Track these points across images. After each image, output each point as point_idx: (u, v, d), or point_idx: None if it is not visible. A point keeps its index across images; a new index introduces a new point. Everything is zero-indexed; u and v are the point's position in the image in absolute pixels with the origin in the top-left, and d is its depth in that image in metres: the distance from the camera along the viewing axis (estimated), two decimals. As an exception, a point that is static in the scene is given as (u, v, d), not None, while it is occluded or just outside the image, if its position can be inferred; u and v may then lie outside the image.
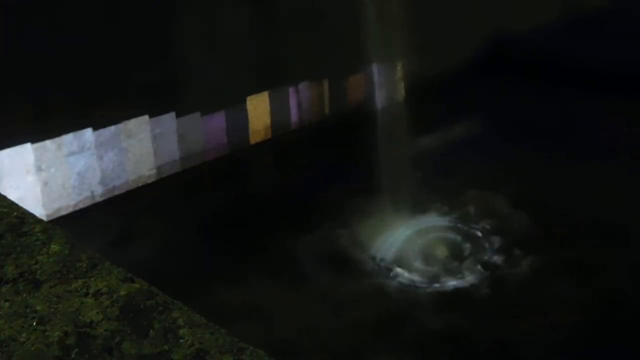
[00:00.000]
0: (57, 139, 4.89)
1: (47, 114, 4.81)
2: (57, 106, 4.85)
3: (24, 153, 4.75)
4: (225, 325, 1.53)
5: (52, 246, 1.83)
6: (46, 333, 1.50)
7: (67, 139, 4.94)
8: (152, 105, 5.40)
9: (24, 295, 1.64)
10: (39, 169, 4.82)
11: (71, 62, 4.88)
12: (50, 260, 1.77)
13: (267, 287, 4.82)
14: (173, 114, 5.53)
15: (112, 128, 5.18)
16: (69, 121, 4.93)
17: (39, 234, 1.89)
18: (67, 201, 5.02)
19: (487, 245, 5.28)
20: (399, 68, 6.98)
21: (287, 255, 5.15)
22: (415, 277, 4.97)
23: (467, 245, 5.27)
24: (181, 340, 1.47)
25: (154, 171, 5.53)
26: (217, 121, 5.89)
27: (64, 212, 5.01)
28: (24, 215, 2.00)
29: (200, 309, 1.61)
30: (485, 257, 5.14)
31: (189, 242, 5.28)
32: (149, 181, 5.50)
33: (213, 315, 1.62)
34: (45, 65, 4.75)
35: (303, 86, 6.50)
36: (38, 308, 1.59)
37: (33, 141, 4.76)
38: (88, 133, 5.05)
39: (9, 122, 4.65)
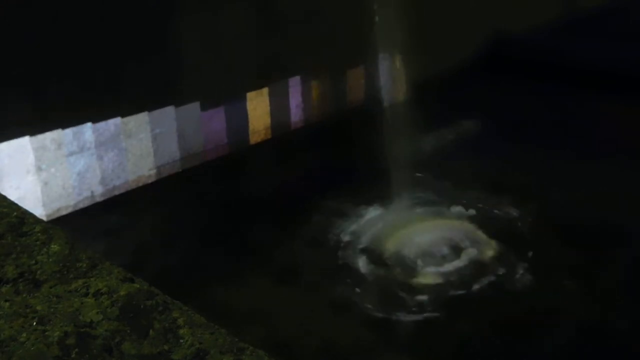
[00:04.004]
0: (57, 139, 4.89)
1: (46, 109, 4.81)
2: (57, 101, 4.84)
3: (24, 153, 4.75)
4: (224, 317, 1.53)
5: (52, 246, 1.83)
6: (46, 333, 1.50)
7: (67, 138, 4.94)
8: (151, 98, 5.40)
9: (24, 295, 1.64)
10: (39, 169, 4.82)
11: (71, 55, 4.88)
12: (50, 260, 1.77)
13: (262, 285, 4.82)
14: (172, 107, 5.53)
15: (112, 128, 5.18)
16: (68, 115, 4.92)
17: (39, 234, 1.89)
18: (67, 201, 5.02)
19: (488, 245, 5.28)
20: (399, 68, 6.99)
21: (283, 255, 5.15)
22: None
23: (464, 250, 5.26)
24: (181, 340, 1.47)
25: (154, 171, 5.53)
26: (217, 121, 5.89)
27: (64, 212, 5.01)
28: (24, 215, 2.00)
29: (200, 304, 1.61)
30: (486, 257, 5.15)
31: (189, 241, 5.28)
32: (149, 181, 5.50)
33: (213, 316, 1.62)
34: (45, 59, 4.75)
35: (303, 86, 6.50)
36: (38, 308, 1.59)
37: (31, 135, 4.75)
38: (88, 133, 5.05)
39: (7, 117, 4.64)
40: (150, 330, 1.50)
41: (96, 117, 5.07)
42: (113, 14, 5.04)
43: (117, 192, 5.29)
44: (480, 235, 5.40)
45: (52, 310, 1.58)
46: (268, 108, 6.26)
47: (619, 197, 5.64)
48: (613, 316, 4.43)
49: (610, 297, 4.61)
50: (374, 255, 5.22)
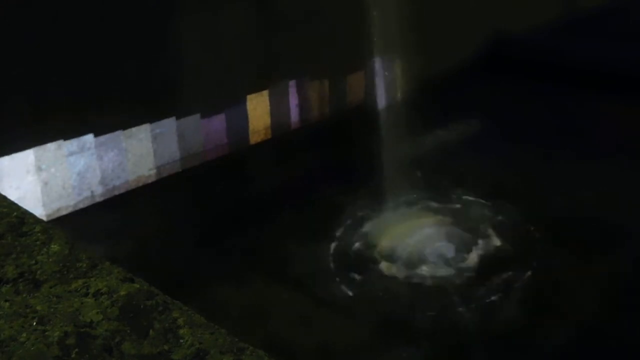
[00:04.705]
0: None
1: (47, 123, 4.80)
2: (57, 114, 4.84)
3: (24, 153, 4.74)
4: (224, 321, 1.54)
5: (52, 246, 1.83)
6: (46, 333, 1.50)
7: (67, 139, 4.95)
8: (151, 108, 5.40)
9: (24, 295, 1.64)
10: (39, 169, 4.82)
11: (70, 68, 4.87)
12: (50, 260, 1.77)
13: (261, 284, 4.82)
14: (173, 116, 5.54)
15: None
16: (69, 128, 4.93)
17: (39, 234, 1.89)
18: (67, 201, 5.02)
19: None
20: (399, 68, 6.99)
21: (283, 255, 5.15)
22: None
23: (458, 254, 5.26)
24: (181, 340, 1.47)
25: (154, 171, 5.53)
26: (217, 122, 5.89)
27: (64, 212, 5.01)
28: (24, 215, 2.00)
29: (199, 304, 1.62)
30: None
31: (189, 241, 5.29)
32: (149, 181, 5.50)
33: (212, 316, 1.62)
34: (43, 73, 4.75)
35: (303, 86, 6.50)
36: (38, 308, 1.59)
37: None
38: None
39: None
40: (150, 330, 1.50)
41: (96, 118, 5.07)
42: (113, 14, 5.03)
43: (117, 192, 5.29)
44: (477, 235, 5.40)
45: (52, 310, 1.58)
46: (268, 108, 6.26)
47: (619, 197, 5.64)
48: (613, 317, 4.43)
49: (610, 297, 4.61)
50: (371, 256, 5.23)
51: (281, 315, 4.52)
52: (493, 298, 4.69)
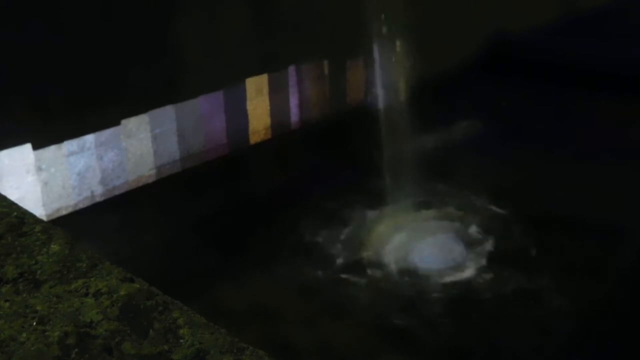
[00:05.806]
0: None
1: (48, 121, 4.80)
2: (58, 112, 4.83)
3: (24, 153, 4.75)
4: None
5: (52, 246, 1.82)
6: (46, 333, 1.50)
7: (67, 139, 4.94)
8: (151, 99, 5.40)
9: (24, 295, 1.64)
10: (39, 169, 4.82)
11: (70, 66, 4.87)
12: (50, 260, 1.76)
13: (259, 284, 4.83)
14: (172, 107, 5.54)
15: (112, 128, 5.18)
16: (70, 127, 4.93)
17: (39, 234, 1.89)
18: (67, 201, 5.02)
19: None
20: (399, 68, 6.99)
21: (282, 255, 5.16)
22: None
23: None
24: (181, 340, 1.47)
25: (154, 171, 5.52)
26: (217, 121, 5.89)
27: (64, 212, 5.01)
28: (24, 215, 2.00)
29: (199, 304, 1.62)
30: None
31: (189, 241, 5.29)
32: (149, 181, 5.50)
33: (213, 315, 1.63)
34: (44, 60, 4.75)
35: (303, 86, 6.50)
36: (38, 308, 1.58)
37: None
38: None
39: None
40: (150, 330, 1.50)
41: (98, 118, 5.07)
42: (112, 13, 5.04)
43: (117, 192, 5.29)
44: (476, 235, 5.40)
45: (52, 310, 1.58)
46: (268, 108, 6.26)
47: (619, 197, 5.64)
48: (613, 316, 4.44)
49: (611, 298, 4.61)
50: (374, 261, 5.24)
51: (276, 308, 4.53)
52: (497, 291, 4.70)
